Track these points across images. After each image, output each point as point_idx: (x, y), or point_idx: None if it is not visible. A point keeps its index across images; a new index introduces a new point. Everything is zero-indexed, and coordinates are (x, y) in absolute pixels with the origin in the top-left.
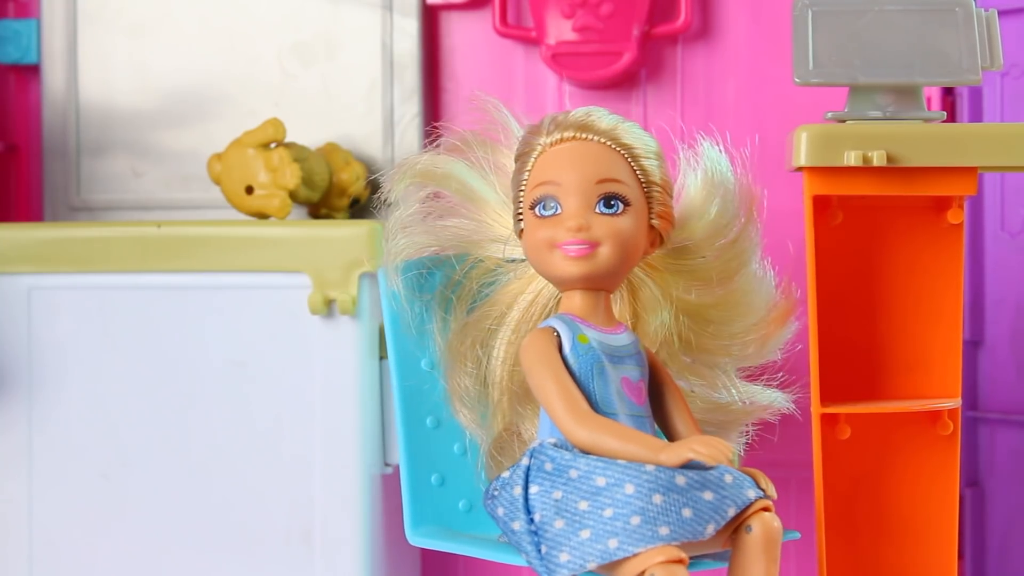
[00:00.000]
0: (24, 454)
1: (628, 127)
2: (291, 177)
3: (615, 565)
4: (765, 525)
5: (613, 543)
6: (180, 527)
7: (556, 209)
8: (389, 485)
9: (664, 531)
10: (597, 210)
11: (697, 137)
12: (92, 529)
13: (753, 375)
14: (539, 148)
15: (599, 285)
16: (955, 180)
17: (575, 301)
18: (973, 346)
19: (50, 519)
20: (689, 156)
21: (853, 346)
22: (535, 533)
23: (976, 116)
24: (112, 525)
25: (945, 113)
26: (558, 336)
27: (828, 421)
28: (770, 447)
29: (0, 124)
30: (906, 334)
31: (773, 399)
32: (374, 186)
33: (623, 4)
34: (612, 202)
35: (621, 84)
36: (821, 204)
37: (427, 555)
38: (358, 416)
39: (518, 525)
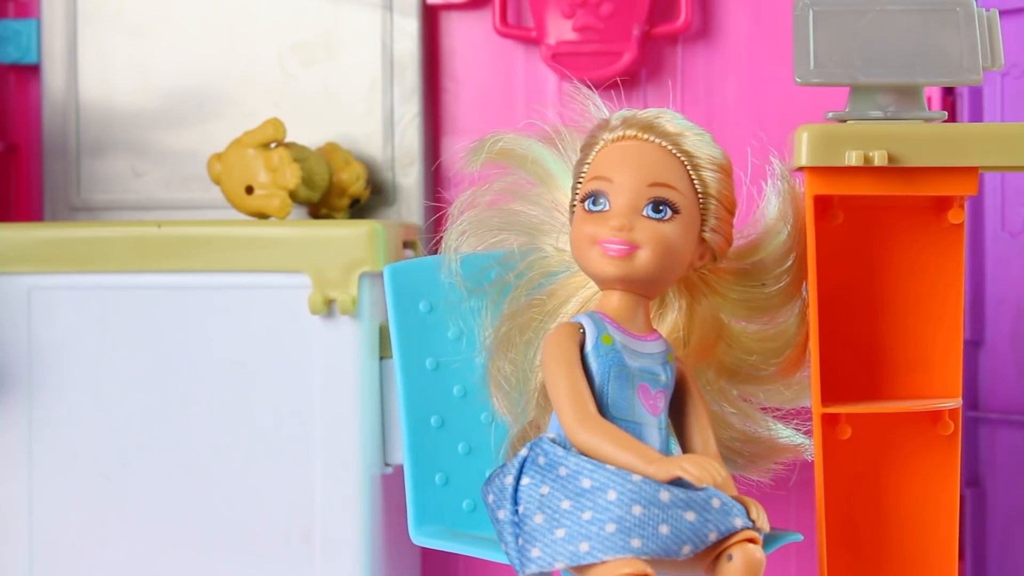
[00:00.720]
0: (24, 454)
1: (695, 134)
2: (291, 177)
3: (584, 569)
4: (747, 556)
5: (584, 546)
6: (180, 527)
7: (605, 206)
8: (389, 485)
9: (636, 543)
10: (645, 213)
11: (774, 159)
12: (92, 529)
13: (786, 416)
14: (602, 143)
15: (637, 289)
16: (956, 180)
17: (612, 301)
18: (973, 346)
19: (50, 519)
20: (772, 182)
21: (853, 346)
22: (516, 524)
23: (977, 116)
24: (112, 525)
25: (946, 113)
26: (583, 332)
27: (828, 421)
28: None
29: (0, 124)
30: (906, 334)
31: (801, 443)
32: (374, 186)
33: (623, 4)
34: (661, 207)
35: (621, 84)
36: (822, 204)
37: (427, 555)
38: (358, 416)
39: (503, 514)
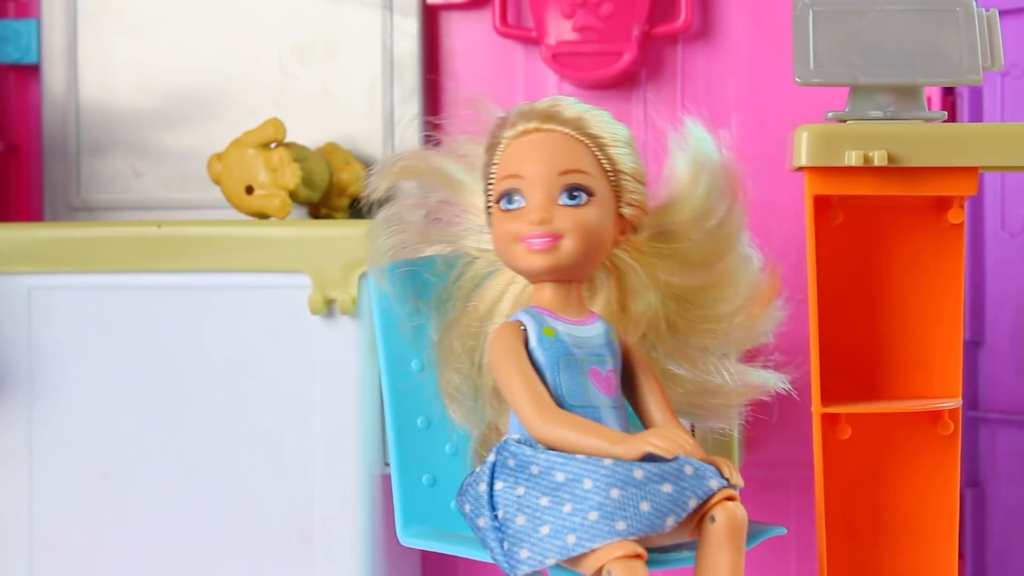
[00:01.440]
0: (24, 454)
1: (593, 116)
2: (291, 177)
3: (575, 560)
4: (728, 514)
5: (571, 539)
6: (180, 527)
7: (520, 202)
8: (389, 485)
9: (621, 526)
10: (561, 202)
11: (682, 117)
12: (92, 529)
13: (748, 357)
14: (504, 142)
15: (567, 276)
16: (956, 180)
17: (545, 293)
18: (973, 346)
19: (50, 519)
20: (677, 137)
21: (853, 346)
22: (499, 529)
23: (976, 116)
24: (112, 525)
25: (946, 113)
26: (525, 330)
27: (828, 421)
28: (770, 447)
29: (0, 124)
30: (906, 334)
31: (766, 379)
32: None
33: (623, 4)
34: (575, 193)
35: (621, 84)
36: (822, 204)
37: (427, 555)
38: (358, 416)
39: (483, 521)
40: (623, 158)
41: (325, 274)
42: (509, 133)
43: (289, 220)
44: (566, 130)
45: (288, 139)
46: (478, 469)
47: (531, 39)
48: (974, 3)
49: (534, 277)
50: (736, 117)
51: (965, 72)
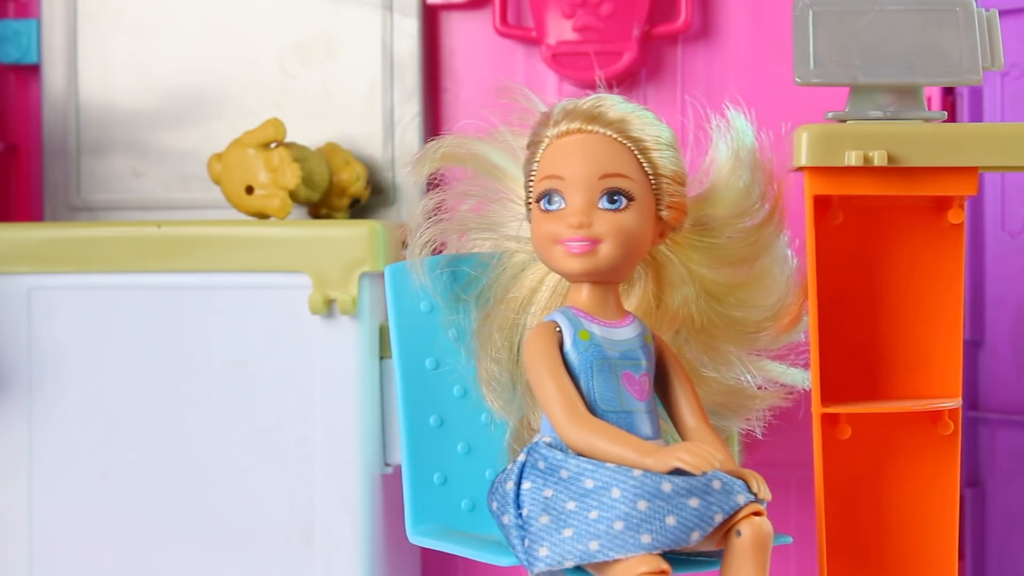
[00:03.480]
0: (24, 454)
1: (637, 117)
2: (291, 177)
3: (597, 567)
4: (755, 529)
5: (594, 545)
6: (180, 527)
7: (560, 204)
8: (389, 485)
9: (646, 539)
10: (600, 205)
11: (728, 109)
12: (92, 529)
13: (772, 358)
14: (547, 140)
15: (605, 279)
16: (956, 180)
17: (582, 294)
18: (973, 346)
19: (50, 519)
20: (720, 129)
21: (853, 346)
22: (521, 527)
23: (976, 116)
24: (112, 525)
25: (946, 113)
26: (560, 331)
27: (828, 421)
28: (770, 447)
29: (0, 124)
30: (906, 334)
31: (793, 377)
32: (374, 186)
33: (623, 4)
34: (615, 197)
35: (621, 84)
36: (822, 204)
37: (427, 555)
38: (358, 416)
39: (507, 519)
40: (664, 161)
41: (325, 274)
42: (552, 132)
43: (289, 220)
44: (609, 132)
45: (288, 139)
46: (508, 467)
47: (531, 39)
48: (974, 3)
49: (572, 279)
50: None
51: (965, 72)
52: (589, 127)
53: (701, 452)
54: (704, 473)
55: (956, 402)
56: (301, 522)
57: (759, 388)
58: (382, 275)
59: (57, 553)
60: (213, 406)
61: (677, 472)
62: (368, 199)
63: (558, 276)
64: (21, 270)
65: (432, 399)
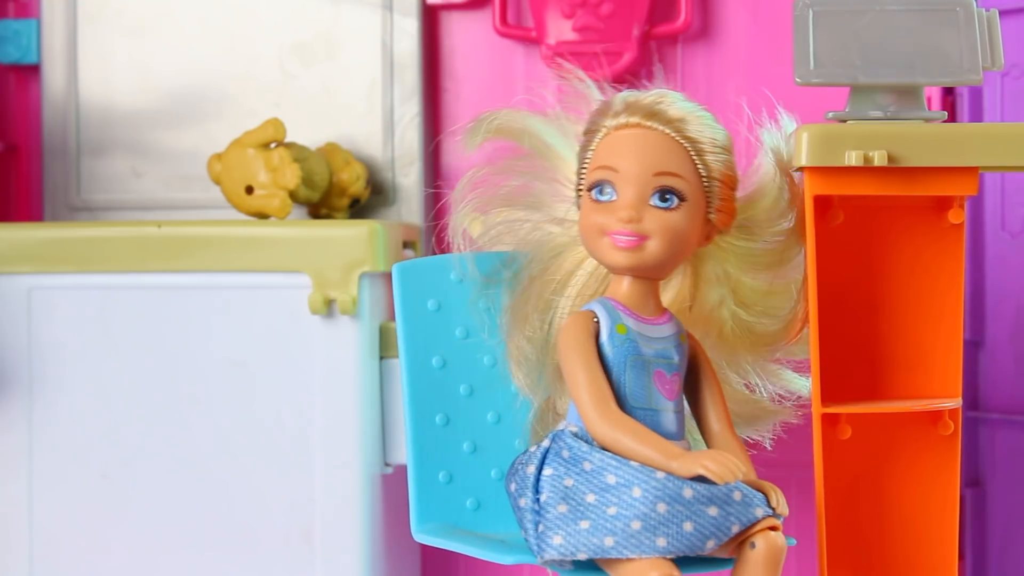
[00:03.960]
0: (24, 454)
1: (697, 118)
2: (291, 177)
3: (609, 564)
4: (769, 543)
5: (609, 541)
6: (180, 527)
7: (612, 196)
8: (389, 485)
9: (662, 542)
10: (652, 202)
11: (767, 117)
12: (92, 529)
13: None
14: (604, 130)
15: (648, 275)
16: (956, 180)
17: (622, 286)
18: (973, 346)
19: (50, 519)
20: (769, 132)
21: (853, 346)
22: (537, 512)
23: (977, 116)
24: (112, 525)
25: (946, 113)
26: (597, 321)
27: (828, 421)
28: (770, 447)
29: (0, 124)
30: (906, 334)
31: (804, 386)
32: (374, 186)
33: (623, 4)
34: (667, 196)
35: (621, 84)
36: (822, 204)
37: (427, 555)
38: (358, 416)
39: (524, 502)
40: (718, 165)
41: (325, 274)
42: (610, 122)
43: (289, 220)
44: (667, 130)
45: (288, 139)
46: (532, 450)
47: (531, 39)
48: (974, 3)
49: (616, 271)
50: (736, 117)
51: (965, 72)
52: (648, 123)
53: (727, 462)
54: (726, 483)
55: (956, 402)
56: (301, 522)
57: (775, 400)
58: (382, 275)
59: (57, 553)
60: (213, 406)
61: (699, 479)
62: (368, 199)
63: (595, 263)
64: (21, 270)
65: (438, 398)
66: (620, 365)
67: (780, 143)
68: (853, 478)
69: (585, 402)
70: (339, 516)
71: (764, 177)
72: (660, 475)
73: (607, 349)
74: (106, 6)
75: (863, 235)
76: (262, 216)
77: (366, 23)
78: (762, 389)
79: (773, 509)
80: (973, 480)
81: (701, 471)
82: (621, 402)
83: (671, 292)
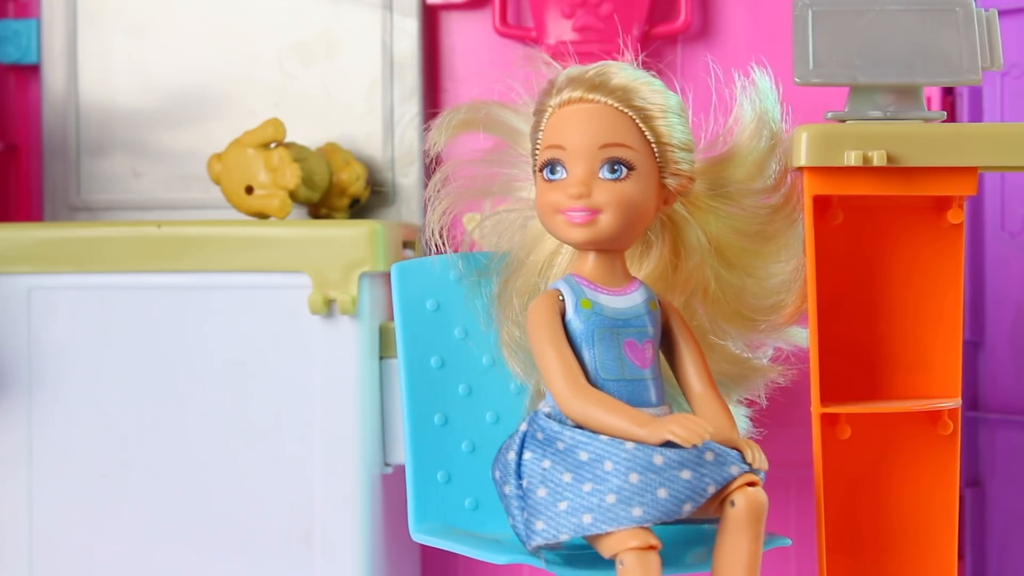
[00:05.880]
0: (24, 454)
1: (641, 85)
2: (291, 177)
3: (593, 540)
4: (748, 499)
5: (587, 518)
6: (180, 527)
7: (562, 174)
8: (389, 485)
9: (637, 512)
10: (601, 175)
11: (753, 70)
12: (92, 529)
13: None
14: (550, 109)
15: (608, 247)
16: (955, 180)
17: (587, 262)
18: (973, 346)
19: (50, 519)
20: (745, 89)
21: (853, 346)
22: (521, 498)
23: (976, 116)
24: (112, 525)
25: (945, 113)
26: (563, 299)
27: (828, 421)
28: (770, 447)
29: (0, 124)
30: (906, 334)
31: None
32: (374, 186)
33: (623, 4)
34: (616, 167)
35: None
36: (821, 204)
37: (427, 555)
38: (358, 416)
39: (509, 489)
40: (667, 129)
41: (325, 274)
42: (554, 101)
43: (289, 220)
44: (610, 101)
45: (288, 139)
46: (513, 436)
47: (531, 39)
48: (974, 3)
49: (575, 247)
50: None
51: (965, 72)
52: (591, 96)
53: (692, 425)
54: (695, 446)
55: (956, 402)
56: (301, 522)
57: (768, 359)
58: (382, 275)
59: (57, 553)
60: (213, 406)
61: (670, 444)
62: (368, 199)
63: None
64: (21, 270)
65: (437, 398)
66: (588, 339)
67: (757, 100)
68: (853, 478)
69: (554, 380)
70: (339, 516)
71: (738, 136)
72: (630, 445)
73: (574, 325)
74: (106, 6)
75: (862, 235)
76: (262, 216)
77: (366, 23)
78: (750, 351)
79: (749, 465)
80: (973, 480)
81: (669, 436)
82: (594, 376)
83: (652, 261)
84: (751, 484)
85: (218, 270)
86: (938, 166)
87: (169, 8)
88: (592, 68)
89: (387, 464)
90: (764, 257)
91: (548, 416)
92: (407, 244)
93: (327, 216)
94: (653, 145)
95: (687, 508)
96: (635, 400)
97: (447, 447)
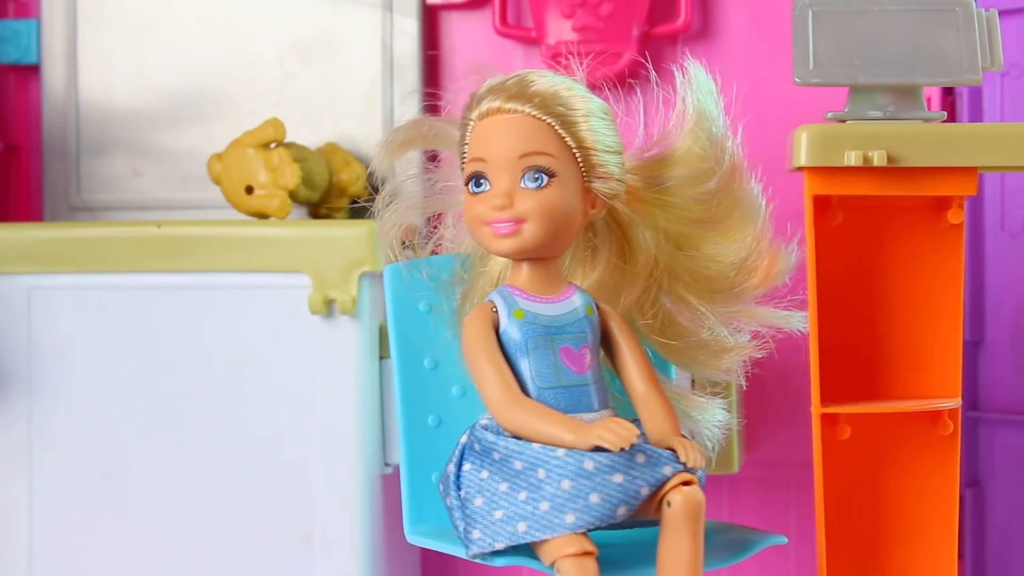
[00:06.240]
0: (24, 454)
1: (559, 92)
2: (291, 177)
3: (535, 548)
4: (684, 499)
5: (522, 526)
6: (180, 527)
7: (486, 186)
8: (389, 485)
9: (570, 519)
10: (523, 185)
11: (689, 63)
12: (92, 529)
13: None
14: (472, 122)
15: (537, 255)
16: (955, 180)
17: (520, 272)
18: (973, 346)
19: (50, 519)
20: (682, 85)
21: (853, 346)
22: (461, 508)
23: (976, 116)
24: (112, 525)
25: (945, 113)
26: (496, 311)
27: (828, 421)
28: (770, 447)
29: (0, 124)
30: (906, 334)
31: (794, 323)
32: (374, 186)
33: (623, 4)
34: (537, 175)
35: (621, 84)
36: (821, 204)
37: (427, 555)
38: (358, 416)
39: (450, 500)
40: (590, 134)
41: (325, 274)
42: (475, 113)
43: (289, 220)
44: (528, 110)
45: (288, 139)
46: (454, 449)
47: (531, 39)
48: (974, 3)
49: (504, 257)
50: (736, 117)
51: (965, 72)
52: (509, 105)
53: (618, 428)
54: (623, 449)
55: (956, 402)
56: (301, 522)
57: (750, 338)
58: (382, 275)
59: (57, 553)
60: (213, 406)
61: (601, 449)
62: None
63: None
64: (21, 270)
65: (430, 399)
66: (523, 348)
67: (703, 96)
68: (852, 478)
69: (488, 391)
70: (339, 516)
71: (679, 134)
72: (561, 452)
73: (509, 334)
74: (106, 6)
75: (862, 235)
76: (262, 216)
77: (366, 23)
78: (721, 331)
79: (684, 464)
80: (972, 480)
81: (597, 441)
82: (530, 384)
83: (600, 267)
84: (687, 483)
85: (218, 270)
86: (938, 166)
87: (169, 8)
88: (511, 77)
89: (387, 464)
90: (720, 235)
91: (485, 428)
92: (407, 244)
93: (327, 216)
94: (575, 151)
95: (621, 512)
96: (575, 406)
97: (441, 449)
